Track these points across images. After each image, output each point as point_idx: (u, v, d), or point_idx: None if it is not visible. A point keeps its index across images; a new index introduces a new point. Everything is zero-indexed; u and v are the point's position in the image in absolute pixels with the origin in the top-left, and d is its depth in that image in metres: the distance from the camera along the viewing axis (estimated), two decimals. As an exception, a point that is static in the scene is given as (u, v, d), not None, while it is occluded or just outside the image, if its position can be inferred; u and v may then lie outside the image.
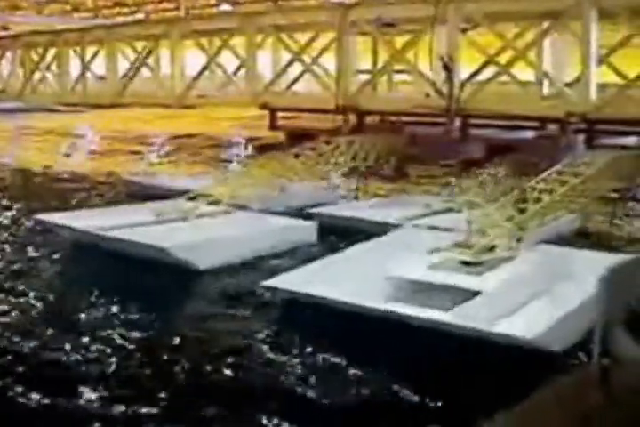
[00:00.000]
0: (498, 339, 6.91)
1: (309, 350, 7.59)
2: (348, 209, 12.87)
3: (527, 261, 9.19)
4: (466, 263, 8.92)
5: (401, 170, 15.02)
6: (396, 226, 11.42)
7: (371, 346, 7.46)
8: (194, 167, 19.68)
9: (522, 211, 10.01)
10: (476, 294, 8.10)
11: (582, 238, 12.05)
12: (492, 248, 9.22)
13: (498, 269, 8.95)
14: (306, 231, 11.25)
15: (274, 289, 8.68)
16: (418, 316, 7.51)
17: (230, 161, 20.54)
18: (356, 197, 14.56)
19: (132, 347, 7.36)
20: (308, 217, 12.12)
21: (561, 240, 11.14)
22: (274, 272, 8.93)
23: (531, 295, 8.05)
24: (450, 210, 12.52)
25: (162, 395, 6.32)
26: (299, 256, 10.36)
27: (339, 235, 11.43)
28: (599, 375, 5.07)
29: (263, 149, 16.63)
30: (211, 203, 12.17)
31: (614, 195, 12.70)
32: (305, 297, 8.35)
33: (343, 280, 8.35)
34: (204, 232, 10.86)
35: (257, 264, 10.02)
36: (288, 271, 8.94)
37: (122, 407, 6.08)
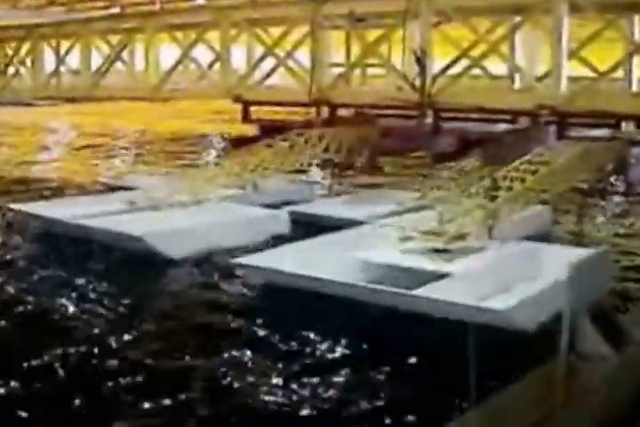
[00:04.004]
0: (468, 312, 6.94)
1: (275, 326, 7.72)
2: (321, 207, 12.95)
3: (497, 251, 9.29)
4: (436, 251, 9.02)
5: (373, 163, 15.10)
6: (368, 224, 11.50)
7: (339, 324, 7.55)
8: (167, 162, 19.73)
9: (493, 199, 10.12)
10: (446, 275, 8.22)
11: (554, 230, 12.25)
12: (462, 236, 9.30)
13: (469, 256, 9.05)
14: (278, 221, 11.32)
15: (244, 266, 8.83)
16: (386, 290, 7.60)
17: (204, 156, 20.61)
18: (329, 194, 14.65)
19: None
20: None
21: (533, 232, 11.31)
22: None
23: (500, 280, 8.16)
24: (422, 207, 12.60)
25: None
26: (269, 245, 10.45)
27: (311, 233, 11.49)
28: (566, 371, 5.14)
29: (237, 142, 16.67)
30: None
31: (584, 186, 12.85)
32: (275, 274, 8.48)
33: (314, 261, 8.47)
34: (176, 221, 10.91)
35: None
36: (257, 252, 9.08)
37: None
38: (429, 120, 14.67)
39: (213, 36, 17.60)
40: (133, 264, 9.75)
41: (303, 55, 16.13)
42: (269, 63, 16.75)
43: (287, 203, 12.96)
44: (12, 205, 11.97)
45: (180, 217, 11.34)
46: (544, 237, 11.67)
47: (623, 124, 15.04)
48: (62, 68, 20.90)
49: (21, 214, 11.78)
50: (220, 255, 10.03)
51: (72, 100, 23.38)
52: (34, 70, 21.59)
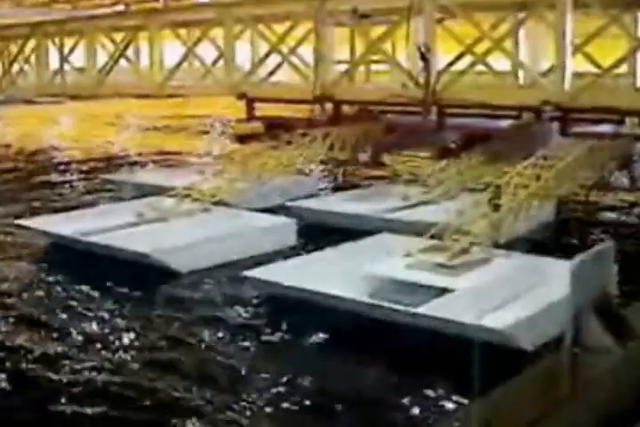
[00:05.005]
0: (468, 331, 6.94)
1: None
2: (328, 202, 12.99)
3: (501, 264, 9.25)
4: (441, 265, 8.98)
5: (378, 159, 15.13)
6: (374, 219, 11.53)
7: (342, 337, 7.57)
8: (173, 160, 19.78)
9: (497, 208, 10.02)
10: (450, 291, 8.20)
11: (559, 228, 12.29)
12: (466, 250, 9.26)
13: (472, 271, 9.00)
14: (285, 230, 11.29)
15: (254, 280, 8.81)
16: (389, 307, 7.61)
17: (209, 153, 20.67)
18: (335, 190, 14.68)
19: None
20: (288, 211, 12.21)
21: (538, 232, 11.34)
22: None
23: (503, 296, 8.14)
24: (427, 202, 12.64)
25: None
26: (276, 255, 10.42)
27: (318, 230, 11.52)
28: (569, 363, 5.16)
29: (242, 139, 16.68)
30: (192, 200, 12.21)
31: (589, 184, 12.84)
32: (283, 289, 8.48)
33: (321, 276, 8.47)
34: (184, 234, 10.84)
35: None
36: (268, 264, 9.08)
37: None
38: (433, 116, 14.67)
39: (217, 33, 17.62)
40: (142, 280, 9.65)
41: (307, 52, 16.12)
42: (273, 60, 16.77)
43: (293, 199, 12.98)
44: (18, 221, 11.81)
45: (188, 229, 11.27)
46: (547, 227, 11.78)
47: (627, 120, 15.05)
48: (67, 66, 20.94)
49: (29, 231, 11.63)
50: (228, 268, 10.02)
51: (76, 97, 23.41)
52: (38, 68, 21.64)
